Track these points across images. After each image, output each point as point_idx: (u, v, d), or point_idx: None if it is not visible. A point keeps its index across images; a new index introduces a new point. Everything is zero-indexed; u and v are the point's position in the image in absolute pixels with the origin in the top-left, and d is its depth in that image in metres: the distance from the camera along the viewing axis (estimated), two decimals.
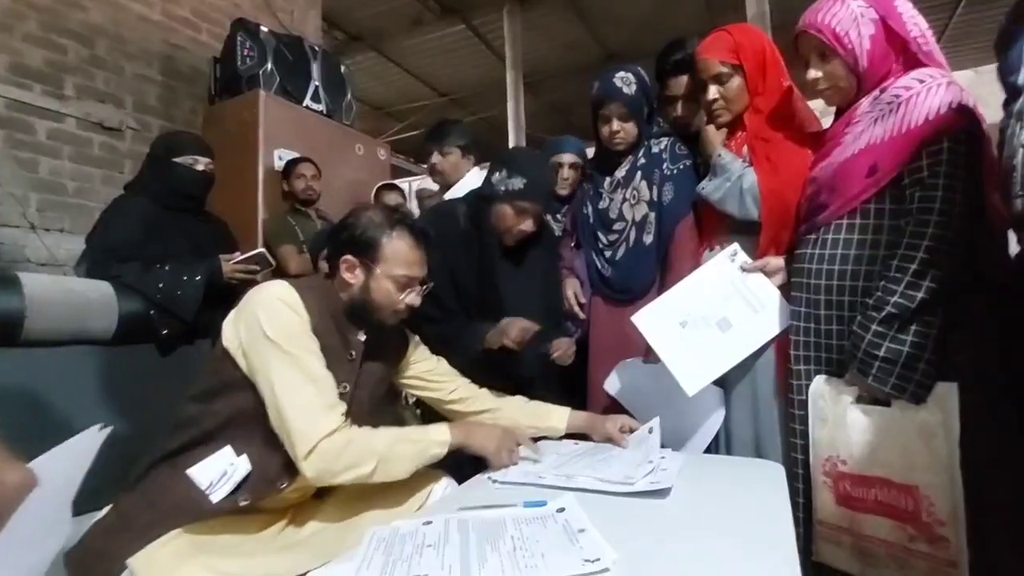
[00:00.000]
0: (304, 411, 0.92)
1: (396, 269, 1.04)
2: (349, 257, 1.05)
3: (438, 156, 1.98)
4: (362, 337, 1.09)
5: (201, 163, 1.86)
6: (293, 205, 2.58)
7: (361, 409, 1.11)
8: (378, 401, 1.19)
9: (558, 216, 1.96)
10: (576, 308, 1.57)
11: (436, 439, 1.03)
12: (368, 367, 1.11)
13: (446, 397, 1.27)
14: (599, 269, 1.57)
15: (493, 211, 1.32)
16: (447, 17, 6.02)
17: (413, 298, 1.08)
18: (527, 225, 1.32)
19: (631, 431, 1.24)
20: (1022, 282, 1.13)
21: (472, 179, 1.97)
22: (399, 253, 1.05)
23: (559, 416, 1.28)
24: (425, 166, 2.18)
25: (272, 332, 0.93)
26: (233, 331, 0.97)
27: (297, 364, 0.94)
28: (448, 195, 1.98)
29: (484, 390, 1.30)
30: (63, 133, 2.50)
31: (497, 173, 1.32)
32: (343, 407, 0.98)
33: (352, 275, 1.05)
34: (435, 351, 1.30)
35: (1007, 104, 1.33)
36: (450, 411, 1.27)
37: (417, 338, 1.27)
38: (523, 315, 1.32)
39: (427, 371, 1.26)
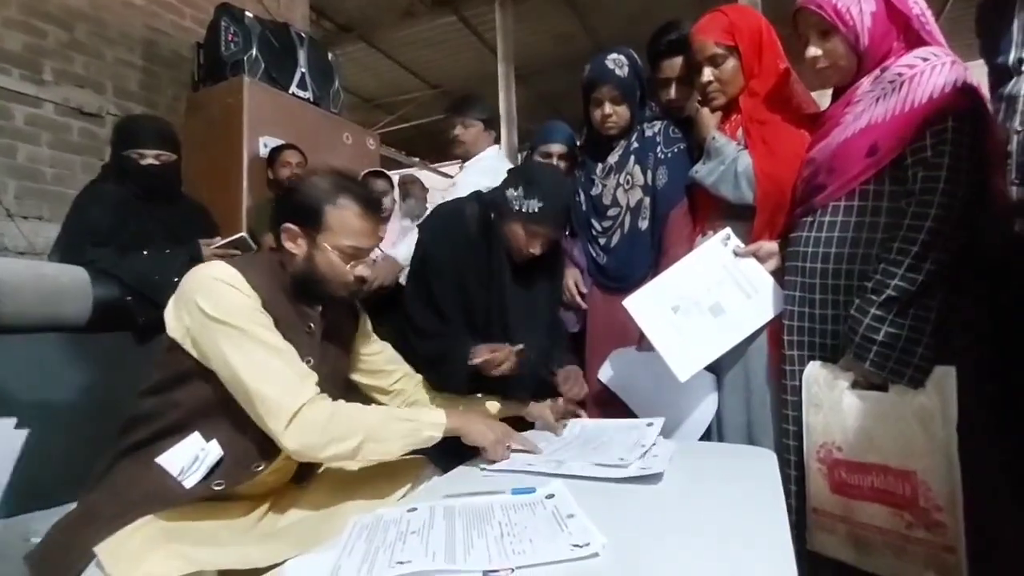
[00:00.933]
0: (275, 381, 0.87)
1: (342, 239, 0.97)
2: (290, 226, 0.98)
3: (460, 128, 1.97)
4: (318, 309, 1.04)
5: (148, 156, 1.71)
6: (278, 193, 2.52)
7: (329, 386, 1.05)
8: (345, 378, 1.15)
9: None
10: (577, 298, 1.54)
11: (431, 420, 0.98)
12: (329, 341, 1.06)
13: (387, 387, 1.24)
14: (594, 257, 1.54)
15: (504, 227, 1.25)
16: (438, 8, 5.97)
17: (363, 269, 1.02)
18: (536, 249, 1.25)
19: (569, 414, 1.25)
20: (1019, 266, 1.12)
21: (490, 156, 1.98)
22: (345, 222, 0.97)
23: (489, 407, 1.29)
24: (417, 159, 2.17)
25: (216, 312, 0.87)
26: (176, 320, 0.91)
27: (252, 338, 0.88)
28: (467, 165, 1.99)
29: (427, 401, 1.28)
30: (41, 119, 2.43)
31: (513, 189, 1.24)
32: (315, 377, 0.93)
33: (295, 245, 0.98)
34: (423, 370, 1.28)
35: (994, 88, 1.33)
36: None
37: (366, 316, 1.22)
38: (525, 330, 1.28)
39: (373, 354, 1.21)
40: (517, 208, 1.22)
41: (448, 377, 1.25)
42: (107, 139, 2.60)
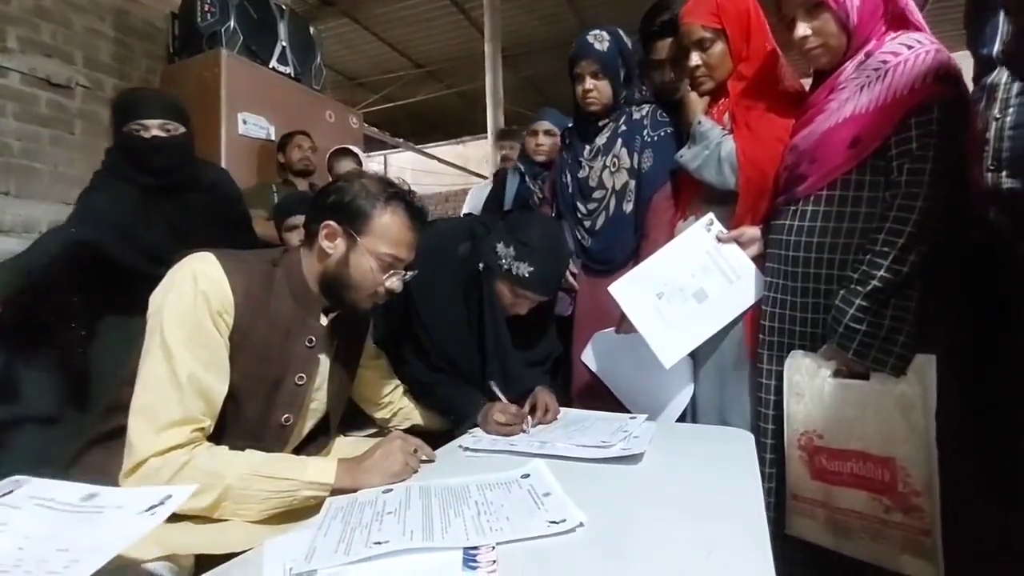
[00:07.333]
0: (146, 418, 0.79)
1: (382, 246, 0.92)
2: (331, 223, 0.92)
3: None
4: (324, 322, 0.98)
5: (152, 127, 1.45)
6: (286, 177, 2.54)
7: (334, 403, 1.05)
8: (348, 393, 1.13)
9: (539, 181, 1.94)
10: (570, 279, 1.54)
11: (313, 479, 0.83)
12: (334, 357, 1.02)
13: (378, 400, 1.23)
14: (579, 240, 1.54)
15: (491, 281, 1.18)
16: None
17: (395, 282, 0.96)
18: (521, 310, 1.20)
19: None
20: (994, 254, 1.14)
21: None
22: (389, 229, 0.93)
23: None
24: (401, 140, 2.13)
25: (164, 314, 0.82)
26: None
27: (170, 360, 0.80)
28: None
29: (411, 408, 1.28)
30: (7, 89, 2.33)
31: (504, 246, 1.16)
32: (202, 423, 0.83)
33: (331, 244, 0.93)
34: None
35: (978, 78, 1.34)
36: (373, 415, 1.25)
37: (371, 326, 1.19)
38: (524, 371, 1.26)
39: (372, 368, 1.20)
40: (506, 268, 1.15)
41: (454, 426, 1.22)
42: (77, 112, 2.52)
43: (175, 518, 0.79)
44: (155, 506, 0.63)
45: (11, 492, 0.62)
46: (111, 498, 0.64)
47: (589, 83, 1.46)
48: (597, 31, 1.46)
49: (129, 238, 1.39)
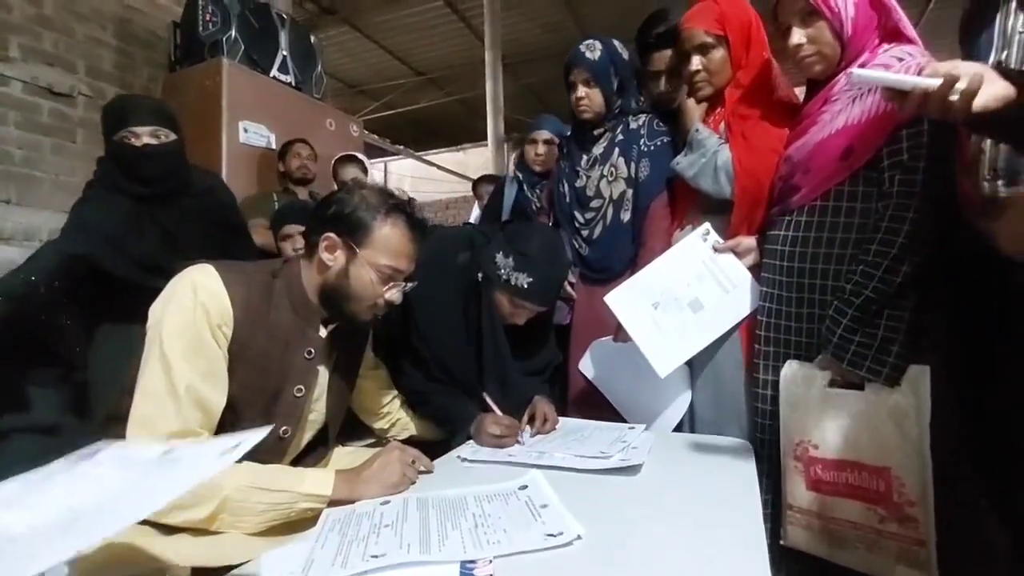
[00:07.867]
0: (144, 429, 0.79)
1: (382, 258, 0.93)
2: (331, 235, 0.92)
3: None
4: (323, 333, 0.98)
5: (143, 135, 1.43)
6: (287, 186, 2.56)
7: (332, 414, 1.05)
8: (347, 403, 1.13)
9: (536, 190, 1.95)
10: (568, 288, 1.54)
11: (310, 491, 0.83)
12: (333, 368, 1.03)
13: (377, 410, 1.23)
14: (577, 249, 1.54)
15: (490, 290, 1.18)
16: None
17: (394, 294, 0.97)
18: (519, 320, 1.20)
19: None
20: (990, 263, 1.14)
21: None
22: (389, 241, 0.93)
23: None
24: (401, 147, 2.14)
25: (164, 325, 0.82)
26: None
27: (168, 372, 0.81)
28: None
29: (407, 419, 1.29)
30: (8, 98, 2.34)
31: (503, 255, 1.16)
32: (199, 435, 0.83)
33: (331, 256, 0.93)
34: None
35: None
36: (371, 425, 1.26)
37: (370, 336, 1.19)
38: (523, 380, 1.26)
39: (371, 377, 1.20)
40: (505, 279, 1.15)
41: (450, 436, 1.23)
42: (79, 121, 2.53)
43: (171, 530, 0.79)
44: (228, 450, 0.62)
45: (95, 453, 0.63)
46: (186, 450, 0.64)
47: (581, 91, 1.47)
48: (590, 40, 1.48)
49: (121, 249, 1.39)
